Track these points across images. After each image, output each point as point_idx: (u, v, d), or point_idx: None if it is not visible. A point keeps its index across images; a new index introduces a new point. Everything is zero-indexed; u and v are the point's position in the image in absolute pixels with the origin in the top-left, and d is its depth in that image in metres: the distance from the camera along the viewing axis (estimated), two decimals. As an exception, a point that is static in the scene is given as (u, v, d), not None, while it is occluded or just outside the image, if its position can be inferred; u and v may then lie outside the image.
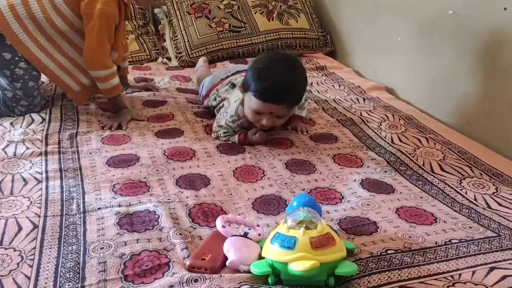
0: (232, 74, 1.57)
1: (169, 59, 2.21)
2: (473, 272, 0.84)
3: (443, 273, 0.84)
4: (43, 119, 1.52)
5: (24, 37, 1.46)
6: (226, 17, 2.22)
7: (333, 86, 1.93)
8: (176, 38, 2.22)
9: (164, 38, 2.29)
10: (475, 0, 1.48)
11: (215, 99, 1.52)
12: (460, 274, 0.84)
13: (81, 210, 1.04)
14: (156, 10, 2.37)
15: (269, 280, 0.82)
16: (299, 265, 0.77)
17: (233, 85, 1.49)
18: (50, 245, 0.92)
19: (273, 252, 0.82)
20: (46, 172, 1.21)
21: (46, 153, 1.31)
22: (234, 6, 2.26)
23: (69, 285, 0.81)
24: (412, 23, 1.77)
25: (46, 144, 1.36)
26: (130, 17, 1.63)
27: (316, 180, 1.22)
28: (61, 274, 0.84)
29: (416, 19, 1.76)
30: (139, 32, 2.22)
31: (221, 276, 0.83)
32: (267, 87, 1.24)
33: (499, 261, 0.88)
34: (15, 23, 1.44)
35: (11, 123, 1.49)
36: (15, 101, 1.53)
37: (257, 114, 1.29)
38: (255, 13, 2.26)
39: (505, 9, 1.36)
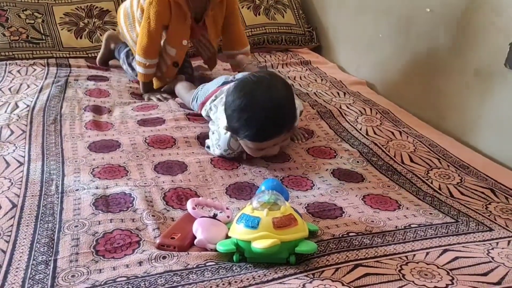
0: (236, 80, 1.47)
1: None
2: (427, 253, 0.89)
3: (398, 253, 0.89)
4: (27, 106, 1.55)
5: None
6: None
7: (316, 80, 1.97)
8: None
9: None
10: (450, -2, 1.53)
11: (211, 109, 1.39)
12: (414, 255, 0.88)
13: (60, 190, 1.08)
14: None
15: (234, 257, 0.86)
16: (260, 243, 0.81)
17: None
18: (27, 223, 0.96)
19: (238, 232, 0.86)
20: (29, 155, 1.25)
21: (30, 136, 1.35)
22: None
23: (42, 257, 0.86)
24: (392, 20, 1.82)
25: (31, 128, 1.40)
26: (188, 18, 1.65)
27: (290, 168, 1.26)
28: (36, 248, 0.88)
29: (395, 16, 1.80)
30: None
31: (188, 253, 0.88)
32: (258, 129, 1.11)
33: (453, 244, 0.93)
34: None
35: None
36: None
37: (260, 150, 1.19)
38: (242, 7, 2.30)
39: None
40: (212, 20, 1.70)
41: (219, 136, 1.25)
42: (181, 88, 1.70)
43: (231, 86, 1.21)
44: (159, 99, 1.71)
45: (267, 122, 1.10)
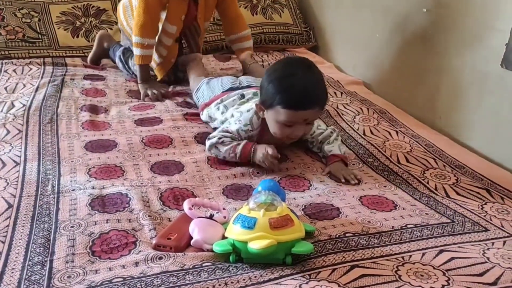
0: (243, 87, 1.47)
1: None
2: (423, 254, 0.89)
3: (395, 254, 0.89)
4: (24, 105, 1.55)
5: None
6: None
7: (313, 80, 1.97)
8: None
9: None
10: (447, -1, 1.54)
11: (218, 109, 1.40)
12: (410, 256, 0.89)
13: (56, 191, 1.08)
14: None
15: (230, 258, 0.86)
16: (257, 244, 0.81)
17: (242, 96, 1.40)
18: (23, 223, 0.96)
19: (235, 232, 0.86)
20: (25, 155, 1.24)
21: (26, 136, 1.34)
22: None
23: (38, 258, 0.85)
24: (389, 20, 1.83)
25: (27, 128, 1.39)
26: None
27: (287, 168, 1.26)
28: (32, 249, 0.88)
29: (392, 16, 1.81)
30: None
31: (185, 254, 0.88)
32: (296, 95, 1.14)
33: (449, 244, 0.93)
34: None
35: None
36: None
37: (288, 126, 1.18)
38: (240, 7, 2.29)
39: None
40: (204, 1, 1.70)
41: (241, 114, 1.29)
42: (192, 69, 1.76)
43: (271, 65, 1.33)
44: (155, 96, 1.66)
45: (305, 90, 1.14)
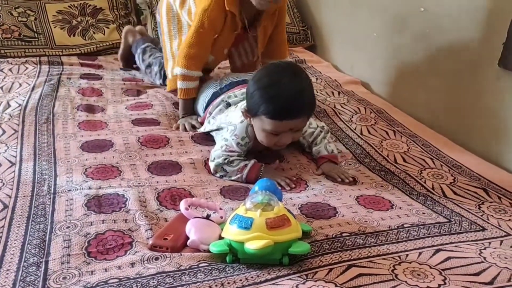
0: (226, 86, 1.44)
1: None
2: (420, 253, 0.89)
3: (391, 253, 0.89)
4: (19, 105, 1.54)
5: None
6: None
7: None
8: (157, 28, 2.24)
9: (146, 28, 2.31)
10: (444, -2, 1.53)
11: (209, 122, 1.37)
12: (407, 255, 0.89)
13: (52, 191, 1.07)
14: (138, 0, 2.39)
15: (227, 258, 0.86)
16: (253, 244, 0.81)
17: (228, 104, 1.36)
18: (19, 224, 0.95)
19: (231, 232, 0.86)
20: (21, 155, 1.24)
21: (22, 136, 1.34)
22: None
23: (34, 259, 0.85)
24: (386, 19, 1.82)
25: (23, 128, 1.39)
26: (238, 29, 1.52)
27: (283, 169, 1.26)
28: (27, 250, 0.87)
29: (390, 16, 1.80)
30: (121, 22, 2.24)
31: (181, 254, 0.87)
32: (281, 105, 1.11)
33: (446, 243, 0.93)
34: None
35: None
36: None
37: (274, 135, 1.16)
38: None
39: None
40: (263, 31, 1.58)
41: (234, 127, 1.24)
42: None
43: (256, 71, 1.22)
44: (189, 127, 1.46)
45: (290, 100, 1.11)
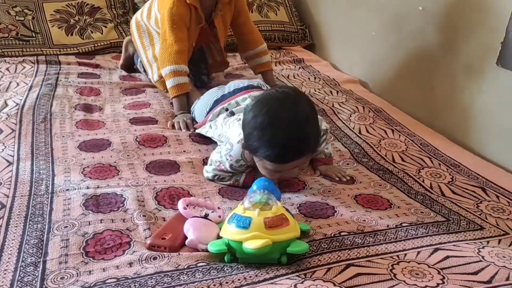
0: (229, 93, 1.38)
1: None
2: (418, 252, 0.89)
3: (390, 253, 0.89)
4: (17, 104, 1.54)
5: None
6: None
7: (309, 78, 1.97)
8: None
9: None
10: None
11: (210, 127, 1.32)
12: (405, 254, 0.89)
13: (49, 191, 1.07)
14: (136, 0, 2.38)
15: (225, 258, 0.86)
16: (252, 244, 0.81)
17: (231, 114, 1.30)
18: (16, 224, 0.95)
19: (230, 232, 0.86)
20: (18, 154, 1.23)
21: (19, 135, 1.33)
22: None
23: (31, 259, 0.85)
24: (384, 18, 1.82)
25: (20, 127, 1.38)
26: (202, 21, 1.57)
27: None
28: (25, 250, 0.87)
29: (388, 15, 1.80)
30: (118, 21, 2.24)
31: (179, 254, 0.87)
32: (280, 149, 1.01)
33: (444, 243, 0.93)
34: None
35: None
36: None
37: (277, 172, 1.08)
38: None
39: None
40: (221, 20, 1.62)
41: (231, 146, 1.14)
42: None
43: (252, 102, 1.10)
44: (185, 125, 1.45)
45: (290, 143, 1.01)
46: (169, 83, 1.50)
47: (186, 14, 1.52)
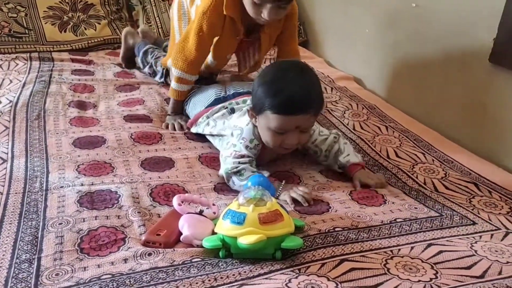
0: (228, 95, 1.39)
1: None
2: (412, 248, 0.90)
3: (384, 248, 0.90)
4: (10, 101, 1.53)
5: None
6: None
7: (303, 75, 1.97)
8: (149, 24, 2.24)
9: (138, 24, 2.30)
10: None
11: (208, 124, 1.32)
12: (399, 249, 0.89)
13: (44, 188, 1.07)
14: (130, -4, 2.37)
15: (220, 253, 0.86)
16: (246, 239, 0.81)
17: (232, 110, 1.31)
18: (11, 221, 0.95)
19: (224, 228, 0.86)
20: (12, 151, 1.23)
21: (13, 133, 1.33)
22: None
23: (26, 256, 0.84)
24: (378, 15, 1.83)
25: (14, 124, 1.37)
26: (240, 34, 1.46)
27: (277, 164, 1.26)
28: (19, 247, 0.87)
29: (382, 11, 1.81)
30: (112, 18, 2.23)
31: (174, 250, 0.87)
32: (286, 97, 1.06)
33: (438, 238, 0.94)
34: None
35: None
36: None
37: (279, 134, 1.10)
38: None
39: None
40: (267, 37, 1.51)
41: (241, 130, 1.18)
42: None
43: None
44: (178, 127, 1.45)
45: (296, 93, 1.06)
46: (173, 85, 1.48)
47: (218, 24, 1.42)
